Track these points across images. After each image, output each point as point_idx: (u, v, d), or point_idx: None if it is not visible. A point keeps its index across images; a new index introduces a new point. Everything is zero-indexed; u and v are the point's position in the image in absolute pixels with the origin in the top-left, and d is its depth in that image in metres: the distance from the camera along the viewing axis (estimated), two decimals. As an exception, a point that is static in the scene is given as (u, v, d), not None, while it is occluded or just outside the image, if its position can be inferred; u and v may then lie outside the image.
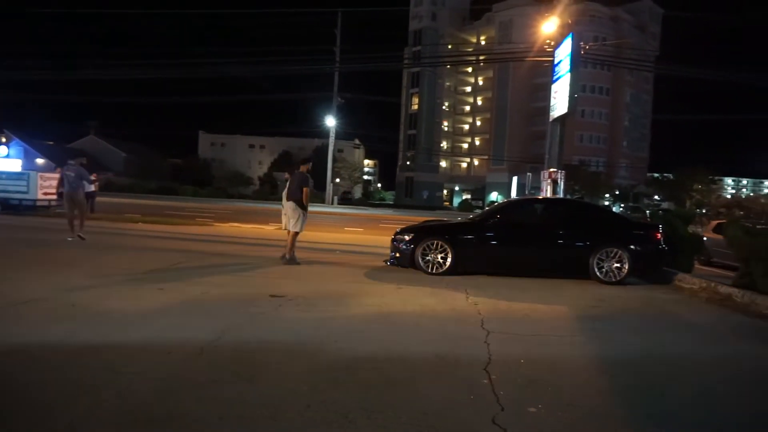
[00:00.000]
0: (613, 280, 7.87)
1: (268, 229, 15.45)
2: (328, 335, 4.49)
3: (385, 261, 8.94)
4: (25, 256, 8.31)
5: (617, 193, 60.52)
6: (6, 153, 25.29)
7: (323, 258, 9.57)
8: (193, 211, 24.23)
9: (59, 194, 10.98)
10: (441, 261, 8.03)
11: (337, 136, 44.10)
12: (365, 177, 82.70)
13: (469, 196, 66.01)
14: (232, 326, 4.61)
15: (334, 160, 45.76)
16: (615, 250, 7.92)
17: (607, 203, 54.67)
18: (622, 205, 57.41)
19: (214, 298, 5.76)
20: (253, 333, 4.48)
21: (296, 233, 8.69)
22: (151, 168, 61.03)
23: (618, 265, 7.90)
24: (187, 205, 29.71)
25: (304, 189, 8.56)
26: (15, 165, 19.30)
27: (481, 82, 75.39)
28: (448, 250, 8.01)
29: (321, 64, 34.86)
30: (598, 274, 7.90)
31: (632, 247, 7.99)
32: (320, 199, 40.89)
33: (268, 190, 49.80)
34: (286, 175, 9.13)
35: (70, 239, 10.26)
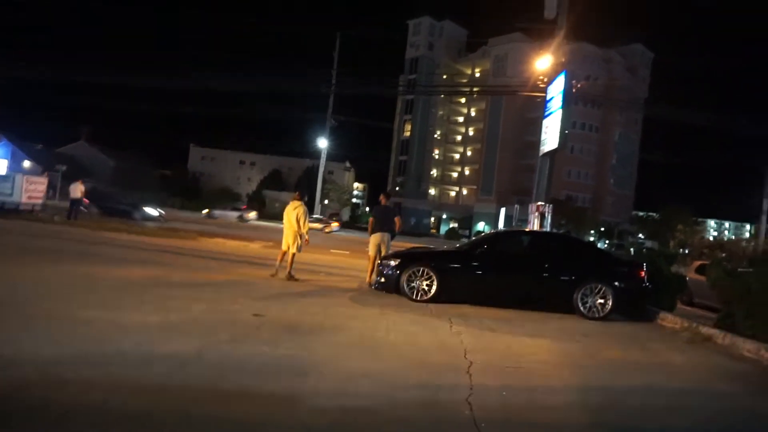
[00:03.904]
0: (597, 315, 7.88)
1: (253, 247, 15.32)
2: (309, 357, 4.43)
3: (371, 285, 8.89)
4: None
5: (602, 229, 61.19)
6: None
7: (308, 279, 9.49)
8: (178, 223, 23.95)
9: None
10: (426, 288, 7.99)
11: (328, 158, 44.23)
12: (354, 200, 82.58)
13: (456, 225, 66.30)
14: (213, 343, 4.52)
15: (324, 182, 45.81)
16: (599, 285, 7.95)
17: (592, 239, 55.18)
18: (607, 242, 57.98)
19: (195, 313, 5.66)
20: (233, 352, 4.39)
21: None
22: (140, 178, 60.48)
23: (602, 301, 7.93)
24: (172, 217, 29.36)
25: (397, 219, 9.74)
26: (1, 166, 18.98)
27: (473, 113, 76.46)
28: (434, 277, 7.98)
29: (317, 85, 35.18)
30: (581, 309, 7.91)
31: (616, 283, 8.03)
32: (308, 220, 40.62)
33: (256, 208, 49.54)
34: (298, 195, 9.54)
35: None
